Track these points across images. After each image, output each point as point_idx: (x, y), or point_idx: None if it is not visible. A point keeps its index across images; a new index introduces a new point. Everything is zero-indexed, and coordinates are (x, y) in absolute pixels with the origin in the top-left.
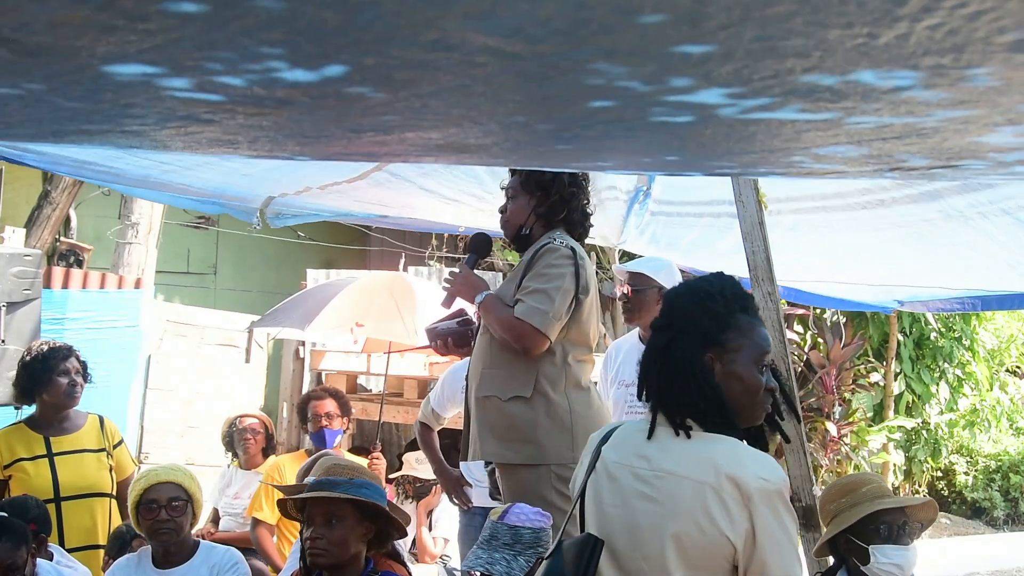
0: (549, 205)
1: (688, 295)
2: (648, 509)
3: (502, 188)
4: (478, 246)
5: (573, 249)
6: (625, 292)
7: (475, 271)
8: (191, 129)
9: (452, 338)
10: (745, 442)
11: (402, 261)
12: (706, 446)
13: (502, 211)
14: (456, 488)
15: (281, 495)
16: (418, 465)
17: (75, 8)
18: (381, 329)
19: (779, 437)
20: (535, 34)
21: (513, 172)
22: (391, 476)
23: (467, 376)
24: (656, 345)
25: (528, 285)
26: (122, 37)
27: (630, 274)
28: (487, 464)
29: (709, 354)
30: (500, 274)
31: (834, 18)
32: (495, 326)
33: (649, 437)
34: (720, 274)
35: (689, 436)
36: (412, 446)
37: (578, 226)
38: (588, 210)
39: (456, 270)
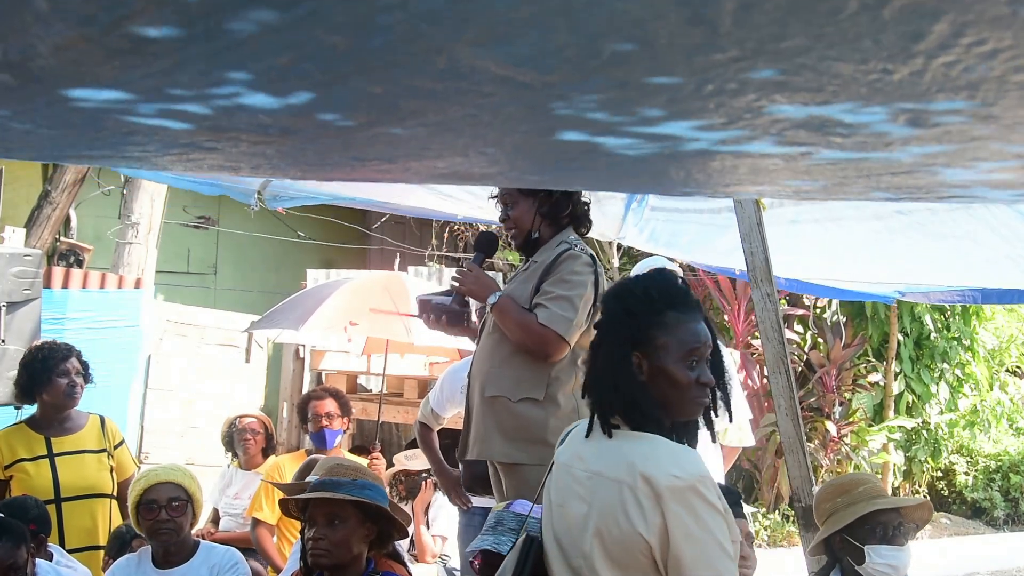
0: (553, 203)
1: (613, 295)
2: (580, 508)
3: (492, 198)
4: (484, 245)
5: (593, 258)
6: None
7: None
8: (193, 156)
9: (447, 316)
10: (675, 438)
11: (397, 261)
12: (626, 445)
13: (503, 220)
14: (456, 488)
15: (282, 494)
16: (407, 461)
17: (81, 31)
18: (376, 328)
19: (779, 437)
20: (546, 63)
21: None
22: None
23: (469, 374)
24: (591, 344)
25: (551, 291)
26: (126, 61)
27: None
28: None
29: (636, 353)
30: (500, 274)
31: (849, 54)
32: (513, 329)
33: (587, 436)
34: (658, 271)
35: (612, 435)
36: (412, 446)
37: (584, 219)
38: (585, 199)
39: (464, 268)
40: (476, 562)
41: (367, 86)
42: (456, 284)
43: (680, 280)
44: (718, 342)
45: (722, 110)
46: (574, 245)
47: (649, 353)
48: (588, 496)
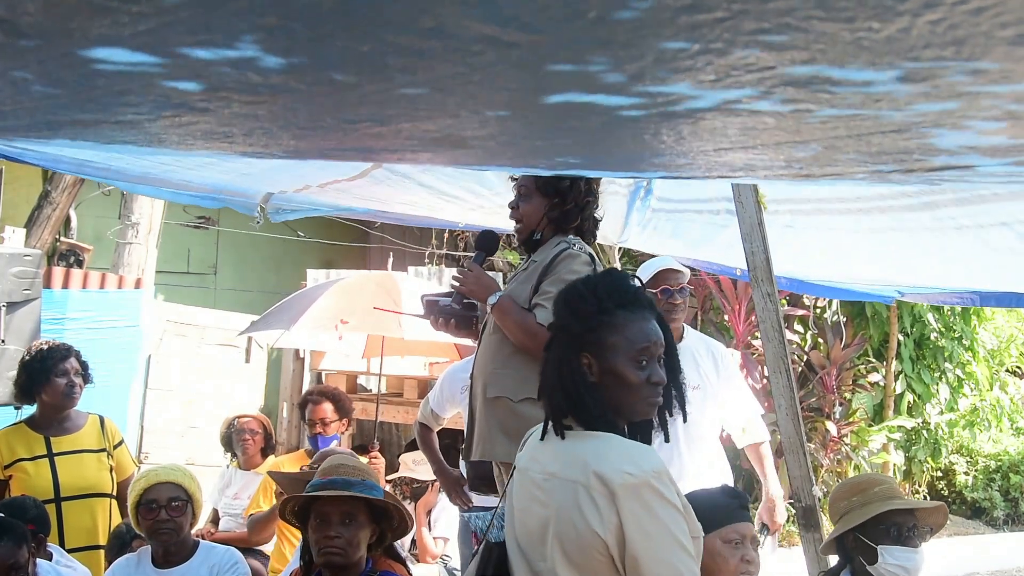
0: (564, 211)
1: (563, 296)
2: (539, 512)
3: (512, 179)
4: (486, 244)
5: (592, 256)
6: None
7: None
8: (185, 119)
9: (456, 320)
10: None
11: (390, 261)
12: (580, 444)
13: (513, 207)
14: (456, 488)
15: (284, 491)
16: (415, 466)
17: None
18: (367, 324)
19: (779, 437)
20: (532, 23)
21: None
22: (389, 477)
23: (472, 374)
24: (544, 347)
25: (549, 291)
26: (115, 19)
27: None
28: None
29: (585, 354)
30: (500, 274)
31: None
32: (513, 330)
33: (542, 439)
34: (608, 271)
35: (564, 436)
36: (412, 446)
37: (589, 234)
38: (598, 215)
39: (464, 267)
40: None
41: (353, 44)
42: (456, 284)
43: (631, 279)
44: (672, 341)
45: (710, 68)
46: (572, 244)
47: (598, 354)
48: (545, 499)
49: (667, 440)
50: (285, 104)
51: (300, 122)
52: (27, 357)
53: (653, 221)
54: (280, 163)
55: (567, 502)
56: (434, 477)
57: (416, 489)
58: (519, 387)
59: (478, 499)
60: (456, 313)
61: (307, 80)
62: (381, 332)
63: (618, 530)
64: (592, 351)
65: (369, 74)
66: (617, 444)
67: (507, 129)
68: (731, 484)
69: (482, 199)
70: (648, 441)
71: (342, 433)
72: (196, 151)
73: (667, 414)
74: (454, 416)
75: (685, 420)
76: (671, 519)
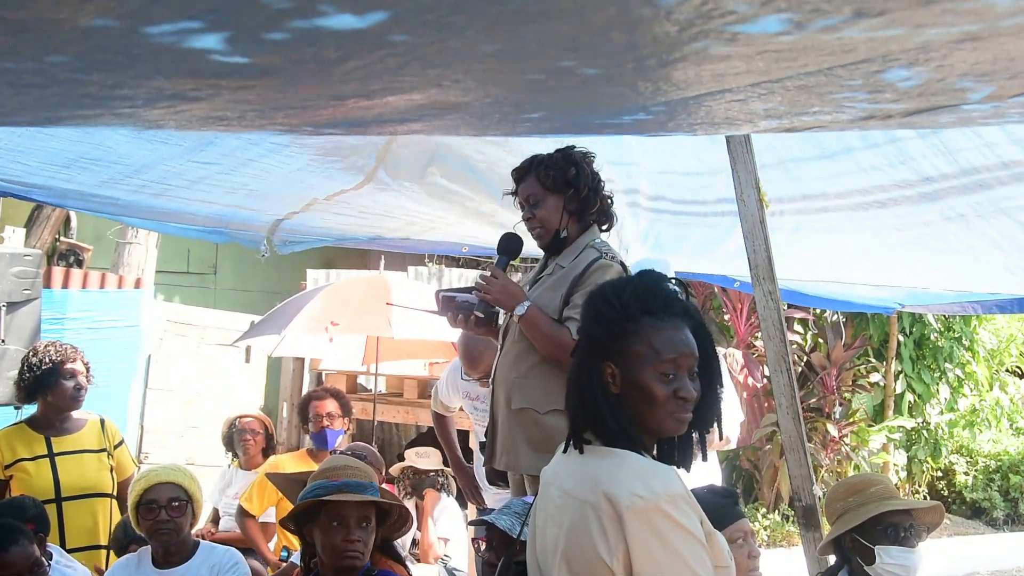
0: (581, 200)
1: (588, 300)
2: (552, 531)
3: (512, 194)
4: (508, 247)
5: (623, 265)
6: None
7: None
8: (180, 108)
9: (476, 319)
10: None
11: (382, 263)
12: (594, 462)
13: (528, 218)
14: (472, 485)
15: (282, 493)
16: (417, 459)
17: None
18: (358, 324)
19: (779, 437)
20: None
21: (519, 180)
22: (392, 469)
23: (492, 380)
24: (571, 353)
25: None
26: (101, 5)
27: None
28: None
29: (608, 363)
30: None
31: None
32: (543, 342)
33: (564, 451)
34: (642, 272)
35: (583, 451)
36: (412, 445)
37: (610, 216)
38: (608, 193)
39: (488, 275)
40: (479, 541)
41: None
42: (480, 292)
43: (665, 283)
44: (713, 352)
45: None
46: (604, 253)
47: (621, 363)
48: (559, 517)
49: (704, 460)
50: (272, 87)
51: (290, 103)
52: (34, 358)
53: (657, 226)
54: (286, 175)
55: (577, 523)
56: (435, 468)
57: (416, 483)
58: (545, 398)
59: (490, 501)
60: (475, 312)
61: (291, 56)
62: (372, 332)
63: (626, 557)
64: (615, 360)
65: (349, 47)
66: (632, 463)
67: (489, 93)
68: (719, 483)
69: (488, 202)
70: (686, 460)
71: (345, 431)
72: (194, 131)
73: (704, 432)
74: (456, 415)
75: (721, 438)
76: (686, 547)
